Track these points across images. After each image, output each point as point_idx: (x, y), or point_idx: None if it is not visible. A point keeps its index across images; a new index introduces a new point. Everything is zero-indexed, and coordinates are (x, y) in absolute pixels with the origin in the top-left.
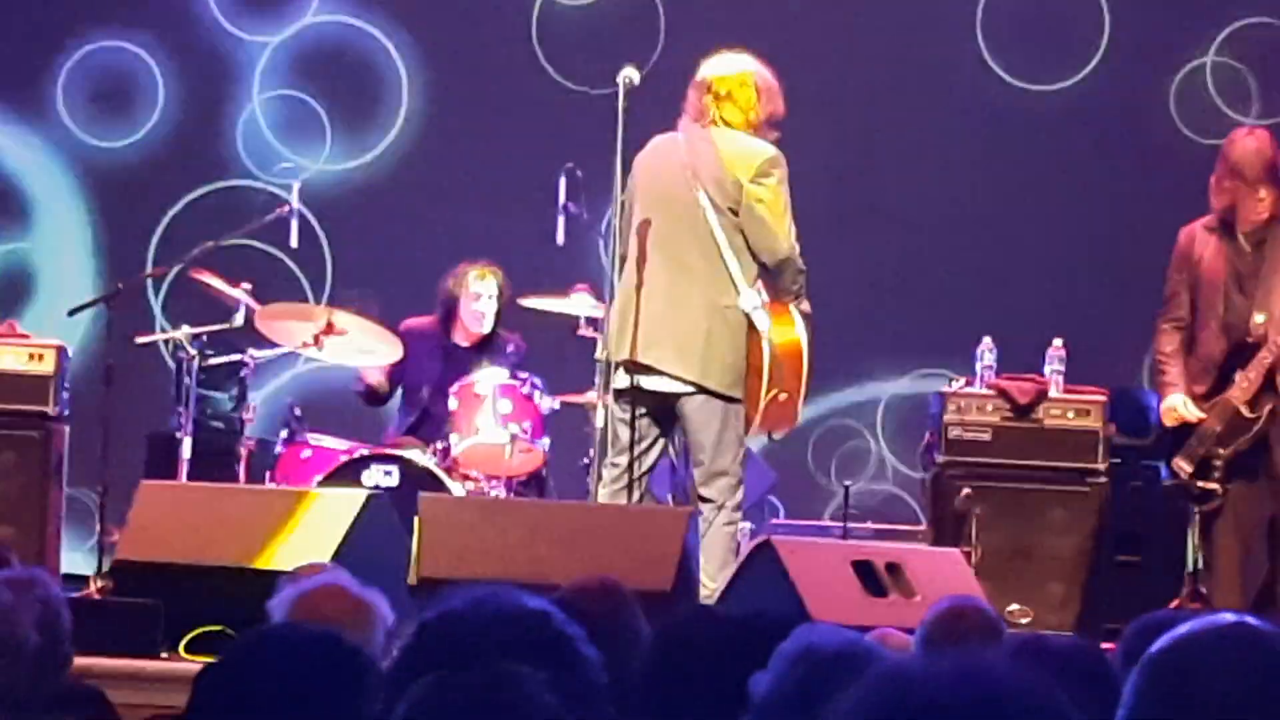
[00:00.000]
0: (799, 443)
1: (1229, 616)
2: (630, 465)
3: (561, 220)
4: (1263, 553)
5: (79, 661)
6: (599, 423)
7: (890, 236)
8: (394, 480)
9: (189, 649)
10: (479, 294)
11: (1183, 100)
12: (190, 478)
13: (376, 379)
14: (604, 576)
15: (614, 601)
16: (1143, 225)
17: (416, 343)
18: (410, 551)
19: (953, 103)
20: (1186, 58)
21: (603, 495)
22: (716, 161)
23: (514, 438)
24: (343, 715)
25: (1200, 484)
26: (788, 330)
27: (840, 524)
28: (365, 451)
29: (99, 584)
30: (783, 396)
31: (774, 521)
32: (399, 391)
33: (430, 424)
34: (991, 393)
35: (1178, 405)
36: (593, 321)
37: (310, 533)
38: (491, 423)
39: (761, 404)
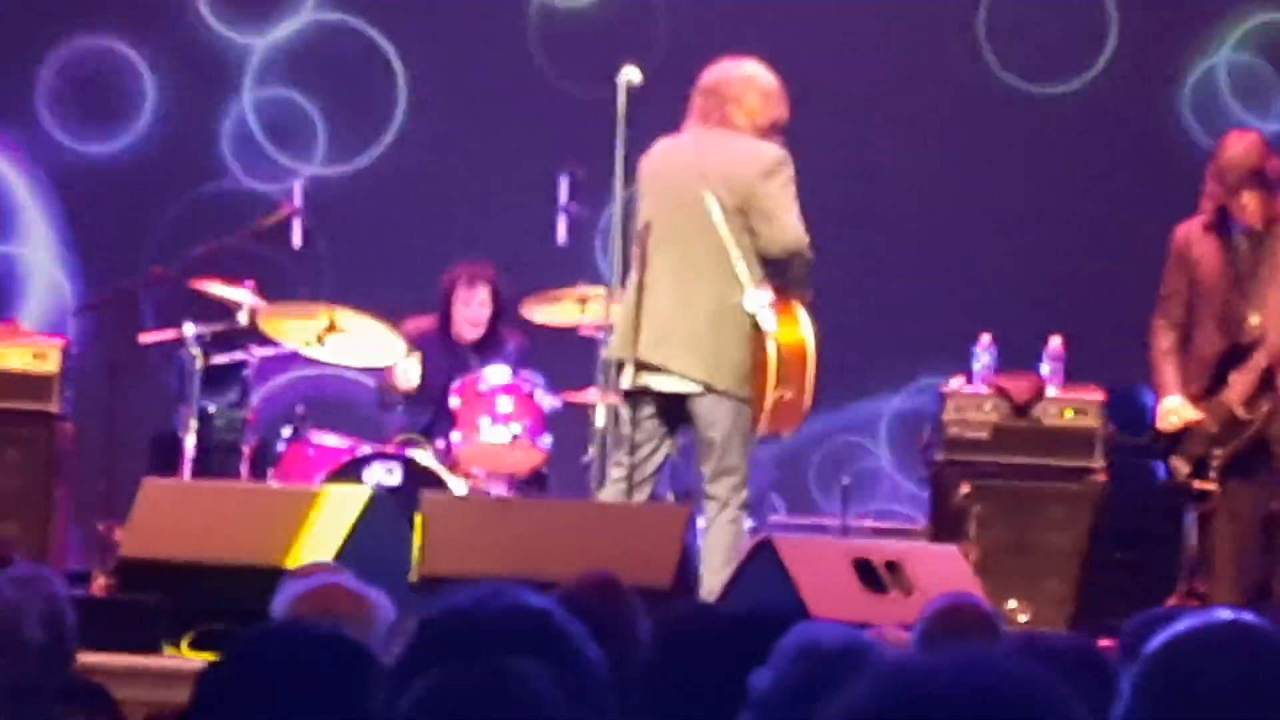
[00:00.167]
0: (798, 441)
1: (1225, 613)
2: (635, 465)
3: (562, 220)
4: (1259, 550)
5: (83, 658)
6: (600, 421)
7: (891, 237)
8: (396, 478)
9: (192, 646)
10: (469, 302)
11: (1188, 100)
12: (193, 476)
13: (408, 384)
14: (604, 572)
15: (614, 598)
16: (1141, 225)
17: (424, 344)
18: (412, 549)
19: (952, 102)
20: (1191, 57)
21: (608, 494)
22: (725, 162)
23: (515, 436)
24: (345, 711)
25: (1197, 484)
26: (794, 330)
27: (839, 521)
28: (368, 450)
29: (102, 581)
30: (789, 396)
31: (773, 519)
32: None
33: (444, 421)
34: (990, 391)
35: (1175, 406)
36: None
37: (316, 531)
38: (493, 421)
39: (768, 404)
